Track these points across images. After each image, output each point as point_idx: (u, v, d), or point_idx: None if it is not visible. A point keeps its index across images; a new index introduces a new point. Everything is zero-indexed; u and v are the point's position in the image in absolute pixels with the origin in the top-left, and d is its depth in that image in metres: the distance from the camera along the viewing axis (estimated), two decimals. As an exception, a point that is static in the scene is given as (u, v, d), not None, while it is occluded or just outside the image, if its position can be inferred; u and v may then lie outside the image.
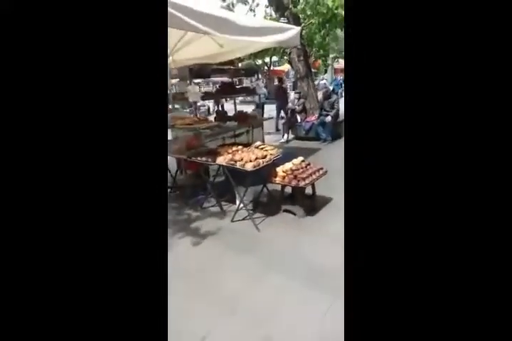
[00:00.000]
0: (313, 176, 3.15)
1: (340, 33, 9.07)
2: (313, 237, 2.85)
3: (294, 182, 3.02)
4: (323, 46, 7.53)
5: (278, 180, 3.17)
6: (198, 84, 6.45)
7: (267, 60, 21.20)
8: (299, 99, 7.33)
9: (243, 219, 3.27)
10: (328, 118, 6.60)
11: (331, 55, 16.42)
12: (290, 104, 7.46)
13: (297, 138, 7.35)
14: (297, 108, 7.22)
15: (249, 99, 12.65)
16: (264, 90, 5.82)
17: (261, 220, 3.29)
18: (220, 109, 14.52)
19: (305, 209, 3.21)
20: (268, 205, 3.52)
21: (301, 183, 3.00)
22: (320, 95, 7.25)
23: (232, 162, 2.93)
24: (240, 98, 10.49)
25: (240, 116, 5.28)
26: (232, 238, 2.97)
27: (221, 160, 3.08)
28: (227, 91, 5.36)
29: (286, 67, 26.42)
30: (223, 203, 3.64)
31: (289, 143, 7.12)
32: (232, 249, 2.76)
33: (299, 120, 7.30)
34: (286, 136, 7.21)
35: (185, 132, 4.17)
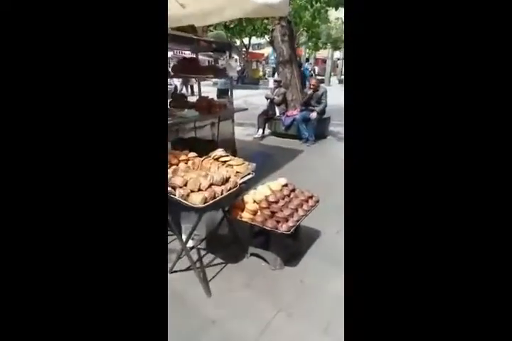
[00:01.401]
0: (300, 212, 2.03)
1: (333, 14, 7.86)
2: (295, 312, 1.76)
3: (270, 224, 1.89)
4: (313, 26, 6.32)
5: (246, 216, 2.02)
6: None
7: (246, 41, 19.66)
8: (278, 87, 6.13)
9: (188, 268, 2.11)
10: (314, 115, 5.50)
11: (321, 40, 15.17)
12: (268, 93, 6.25)
13: (274, 134, 6.19)
14: (276, 98, 6.03)
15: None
16: (237, 72, 4.51)
17: (216, 270, 2.15)
18: (189, 90, 13.00)
19: (282, 253, 2.10)
20: (229, 245, 2.38)
21: (283, 227, 1.87)
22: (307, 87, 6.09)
23: (170, 190, 1.74)
24: (216, 80, 9.10)
25: (203, 104, 4.02)
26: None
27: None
28: (186, 69, 4.05)
29: (266, 51, 24.96)
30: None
31: (264, 140, 5.96)
32: None
33: (278, 113, 6.13)
34: (261, 130, 6.03)
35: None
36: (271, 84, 16.96)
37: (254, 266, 2.20)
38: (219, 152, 2.31)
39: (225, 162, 2.24)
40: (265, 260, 2.21)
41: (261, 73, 22.17)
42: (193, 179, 1.77)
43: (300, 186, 2.43)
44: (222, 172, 1.98)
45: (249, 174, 2.18)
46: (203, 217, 1.84)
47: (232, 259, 2.26)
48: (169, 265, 2.14)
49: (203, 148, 4.24)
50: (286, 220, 1.91)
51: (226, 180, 1.88)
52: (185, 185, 1.78)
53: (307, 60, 18.47)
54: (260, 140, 5.92)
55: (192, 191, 1.74)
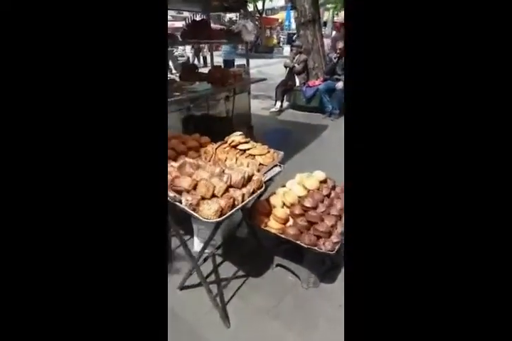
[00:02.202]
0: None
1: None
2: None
3: (308, 240, 1.40)
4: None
5: (274, 226, 1.54)
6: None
7: (259, 6, 18.07)
8: (298, 53, 5.38)
9: (199, 284, 1.69)
10: (339, 85, 4.81)
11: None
12: (287, 60, 5.51)
13: (294, 107, 5.55)
14: (296, 66, 5.31)
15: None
16: (253, 36, 3.86)
17: (234, 286, 1.73)
18: (201, 62, 12.12)
19: (317, 268, 1.65)
20: (250, 253, 1.94)
21: (325, 245, 1.38)
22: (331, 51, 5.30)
23: (174, 195, 1.26)
24: (227, 49, 8.30)
25: (216, 75, 3.43)
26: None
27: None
28: (197, 33, 3.41)
29: (280, 16, 23.12)
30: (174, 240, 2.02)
31: (283, 114, 5.35)
32: None
33: (298, 83, 5.44)
34: (279, 103, 5.39)
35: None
36: (286, 52, 15.75)
37: (281, 281, 1.77)
38: (237, 137, 1.79)
39: (244, 150, 1.73)
40: (294, 273, 1.77)
41: (275, 41, 20.67)
42: (205, 181, 1.27)
43: (327, 172, 1.90)
44: (243, 167, 1.48)
45: (275, 166, 1.68)
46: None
47: (253, 270, 1.83)
48: (177, 276, 1.73)
49: (217, 127, 3.73)
50: (329, 234, 1.43)
51: (248, 179, 1.39)
52: (195, 188, 1.30)
53: (325, 23, 16.91)
54: (278, 114, 5.31)
55: (203, 197, 1.26)
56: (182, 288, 1.72)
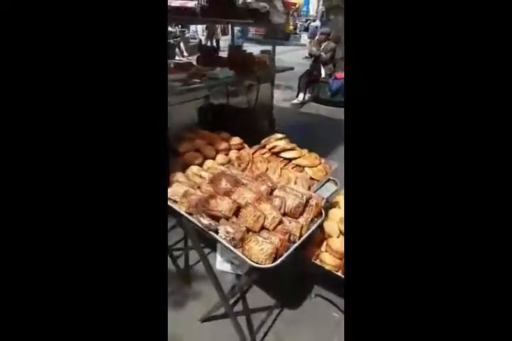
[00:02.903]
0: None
1: None
2: None
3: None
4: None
5: (329, 262, 1.22)
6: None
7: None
8: (326, 41, 4.93)
9: (224, 315, 1.40)
10: (371, 78, 4.40)
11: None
12: (313, 48, 5.07)
13: (317, 100, 5.14)
14: (323, 55, 4.87)
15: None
16: (283, 19, 3.46)
17: (267, 319, 1.44)
18: (214, 44, 11.55)
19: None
20: (285, 278, 1.63)
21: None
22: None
23: (209, 221, 0.94)
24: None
25: (239, 60, 3.04)
26: None
27: (176, 193, 1.08)
28: (220, 9, 3.00)
29: (298, 0, 22.17)
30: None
31: (305, 107, 4.96)
32: None
33: (324, 74, 5.02)
34: (302, 95, 5.00)
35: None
36: (303, 40, 15.03)
37: (322, 316, 1.47)
38: (279, 141, 1.45)
39: (289, 159, 1.39)
40: (338, 307, 1.47)
41: (291, 27, 19.90)
42: (252, 209, 0.95)
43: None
44: (296, 186, 1.14)
45: (328, 181, 1.35)
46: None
47: (287, 298, 1.53)
48: (197, 303, 1.44)
49: (238, 119, 3.37)
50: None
51: (305, 203, 1.05)
52: (236, 213, 0.97)
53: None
54: (300, 107, 4.93)
55: (248, 229, 0.94)
56: (204, 320, 1.43)
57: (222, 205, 0.98)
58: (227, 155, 1.57)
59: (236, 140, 1.61)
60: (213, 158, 1.52)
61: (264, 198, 1.01)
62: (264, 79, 3.53)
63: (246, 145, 1.66)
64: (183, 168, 1.39)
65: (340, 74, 4.77)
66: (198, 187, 1.17)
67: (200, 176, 1.22)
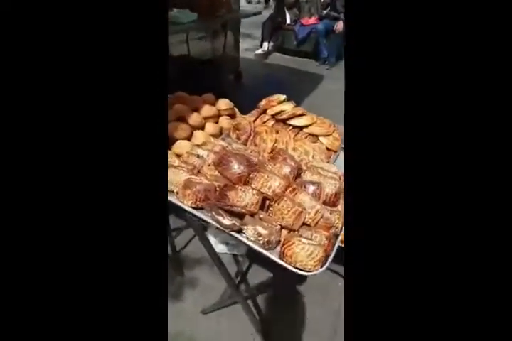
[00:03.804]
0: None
1: None
2: None
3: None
4: None
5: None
6: None
7: None
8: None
9: (232, 303, 1.28)
10: (340, 26, 4.08)
11: None
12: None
13: (281, 50, 4.73)
14: (287, -2, 4.36)
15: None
16: None
17: (273, 294, 1.34)
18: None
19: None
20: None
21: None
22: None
23: (233, 221, 0.72)
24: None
25: (204, 1, 2.52)
26: None
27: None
28: None
29: None
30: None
31: (270, 58, 4.56)
32: None
33: (289, 21, 4.54)
34: (266, 44, 4.53)
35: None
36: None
37: (328, 286, 1.41)
38: (286, 105, 1.19)
39: (300, 128, 1.16)
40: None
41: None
42: (288, 203, 0.73)
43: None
44: (330, 167, 0.93)
45: (342, 150, 1.17)
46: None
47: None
48: (194, 294, 1.28)
49: (201, 73, 2.93)
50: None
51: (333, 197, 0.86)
52: (262, 207, 0.76)
53: None
54: (264, 58, 4.51)
55: (283, 227, 0.74)
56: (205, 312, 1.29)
57: (246, 198, 0.75)
58: (216, 123, 1.29)
59: (225, 103, 1.32)
60: (202, 129, 1.23)
61: (296, 185, 0.80)
62: (231, 25, 3.05)
63: (237, 110, 1.38)
64: (168, 144, 1.10)
65: (307, 21, 4.35)
66: (198, 172, 0.92)
67: (198, 156, 0.96)
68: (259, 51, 4.51)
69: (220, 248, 1.53)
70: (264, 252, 0.72)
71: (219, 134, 1.25)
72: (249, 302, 1.31)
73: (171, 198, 0.84)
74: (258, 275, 1.47)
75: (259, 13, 3.26)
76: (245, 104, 1.39)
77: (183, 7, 2.49)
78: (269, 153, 1.02)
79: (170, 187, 0.86)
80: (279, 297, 1.40)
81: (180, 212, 0.85)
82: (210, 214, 0.76)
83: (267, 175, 0.81)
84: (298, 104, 1.23)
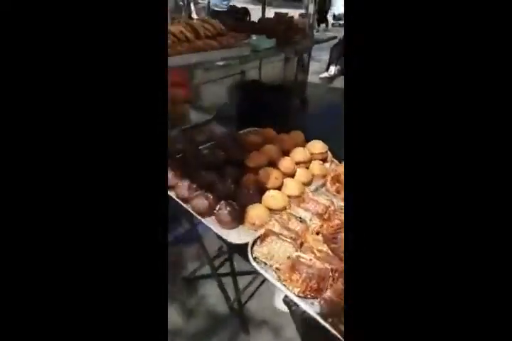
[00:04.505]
0: None
1: None
2: None
3: None
4: None
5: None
6: None
7: None
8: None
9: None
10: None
11: None
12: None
13: (347, 74, 4.53)
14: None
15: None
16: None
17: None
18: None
19: None
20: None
21: None
22: None
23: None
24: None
25: (280, 26, 2.44)
26: None
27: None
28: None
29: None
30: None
31: (336, 82, 4.38)
32: None
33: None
34: (333, 68, 4.38)
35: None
36: None
37: None
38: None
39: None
40: None
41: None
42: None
43: None
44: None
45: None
46: None
47: None
48: None
49: (270, 100, 2.84)
50: None
51: None
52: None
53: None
54: (330, 82, 4.35)
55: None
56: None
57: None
58: (307, 168, 1.12)
59: (319, 147, 1.15)
60: (292, 176, 1.07)
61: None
62: (300, 49, 2.95)
63: (329, 153, 1.20)
64: (255, 196, 0.95)
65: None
66: (301, 244, 0.74)
67: (300, 219, 0.78)
68: (325, 74, 4.36)
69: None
70: None
71: (310, 182, 1.08)
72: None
73: (268, 275, 0.68)
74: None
75: (335, 37, 3.11)
76: (308, 131, 1.24)
77: (260, 33, 2.44)
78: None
79: (270, 261, 0.70)
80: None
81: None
82: (329, 321, 0.57)
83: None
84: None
